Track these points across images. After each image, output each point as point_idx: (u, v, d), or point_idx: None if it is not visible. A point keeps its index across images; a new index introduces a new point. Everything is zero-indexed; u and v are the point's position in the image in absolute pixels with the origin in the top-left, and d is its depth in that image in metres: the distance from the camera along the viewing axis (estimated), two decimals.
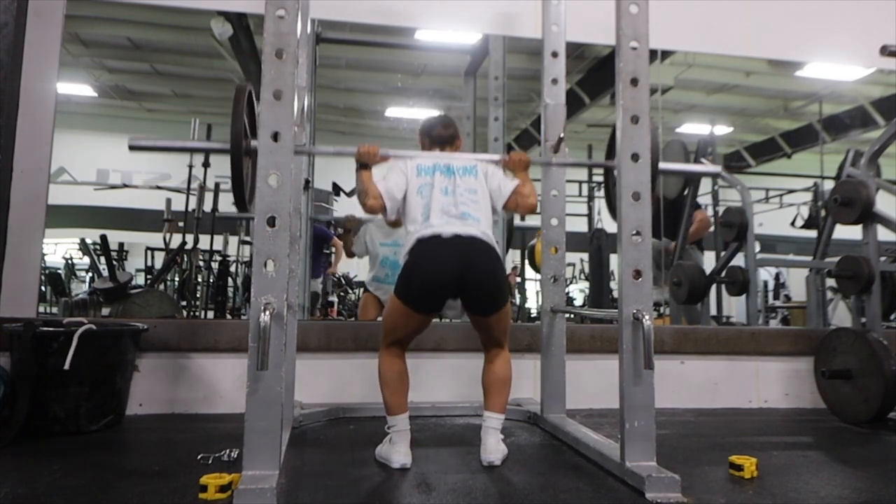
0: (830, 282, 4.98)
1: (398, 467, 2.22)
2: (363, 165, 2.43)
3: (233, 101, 2.14)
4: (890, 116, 6.49)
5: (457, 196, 2.39)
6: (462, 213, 2.36)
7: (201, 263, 5.31)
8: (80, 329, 2.69)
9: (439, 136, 2.59)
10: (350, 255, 4.56)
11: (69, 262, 7.89)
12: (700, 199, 5.29)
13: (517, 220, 5.90)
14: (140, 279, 7.37)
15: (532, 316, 6.80)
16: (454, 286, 2.30)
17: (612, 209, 2.73)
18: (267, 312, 1.87)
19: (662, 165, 2.46)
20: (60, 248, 8.28)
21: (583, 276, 8.67)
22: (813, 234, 5.62)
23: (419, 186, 2.42)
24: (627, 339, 2.14)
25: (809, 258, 5.16)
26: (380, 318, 3.83)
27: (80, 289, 7.46)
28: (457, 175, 2.44)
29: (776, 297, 8.83)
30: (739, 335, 3.86)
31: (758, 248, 5.04)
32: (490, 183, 2.49)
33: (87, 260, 6.77)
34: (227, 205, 5.40)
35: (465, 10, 3.76)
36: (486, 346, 2.47)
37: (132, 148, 2.26)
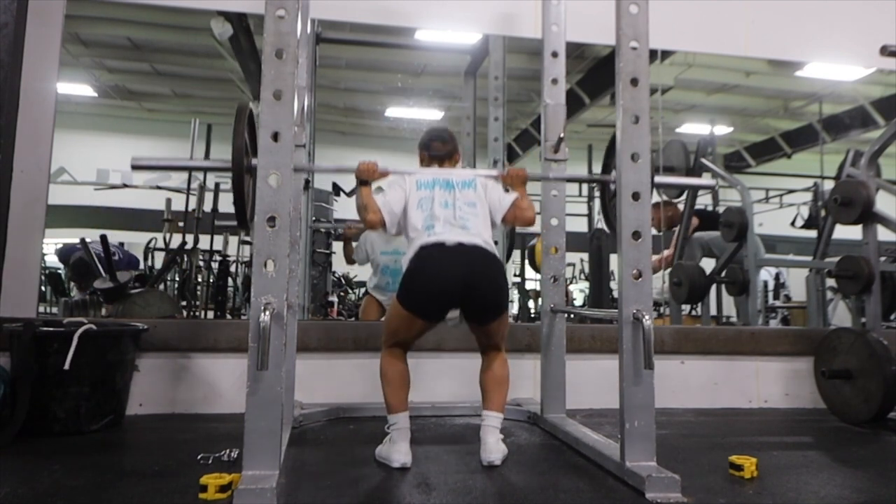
0: (830, 282, 4.98)
1: (398, 467, 2.23)
2: (363, 182, 2.43)
3: (234, 120, 2.10)
4: (890, 116, 6.49)
5: (456, 209, 2.41)
6: (463, 225, 2.38)
7: (201, 263, 5.30)
8: (80, 329, 2.69)
9: (437, 152, 2.60)
10: (351, 262, 4.62)
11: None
12: (700, 200, 5.29)
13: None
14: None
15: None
16: (457, 295, 2.31)
17: (609, 223, 2.72)
18: (267, 312, 1.88)
19: (658, 179, 2.40)
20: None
21: (583, 276, 8.66)
22: (813, 234, 5.61)
23: (419, 200, 2.43)
24: (627, 339, 2.15)
25: (809, 258, 5.16)
26: (382, 320, 3.83)
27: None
28: (456, 189, 2.46)
29: (776, 297, 8.82)
30: (739, 335, 3.86)
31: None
32: (489, 196, 2.51)
33: None
34: (226, 205, 5.38)
35: (465, 10, 3.76)
36: (484, 349, 2.49)
37: (135, 168, 2.22)
